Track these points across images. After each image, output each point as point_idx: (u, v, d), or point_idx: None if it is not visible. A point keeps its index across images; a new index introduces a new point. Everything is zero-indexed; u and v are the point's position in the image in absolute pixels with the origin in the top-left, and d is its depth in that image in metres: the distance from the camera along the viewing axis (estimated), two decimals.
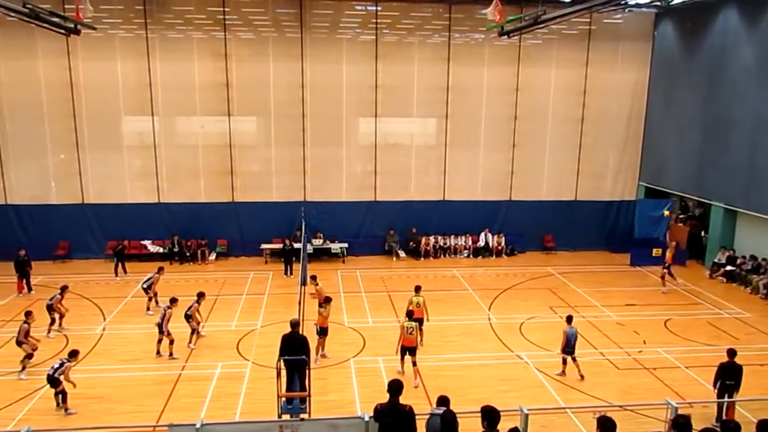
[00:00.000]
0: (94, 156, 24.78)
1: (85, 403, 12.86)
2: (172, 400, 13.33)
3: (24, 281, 20.74)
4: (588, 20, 25.28)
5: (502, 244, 26.36)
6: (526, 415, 8.38)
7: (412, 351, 14.06)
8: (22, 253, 20.82)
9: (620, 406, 12.21)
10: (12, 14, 17.97)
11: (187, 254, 24.85)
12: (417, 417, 8.35)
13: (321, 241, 25.13)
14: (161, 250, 24.86)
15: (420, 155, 26.43)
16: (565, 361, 14.60)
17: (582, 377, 14.36)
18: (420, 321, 15.33)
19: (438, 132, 26.27)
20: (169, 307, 15.88)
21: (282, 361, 11.01)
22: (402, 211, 26.16)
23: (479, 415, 7.69)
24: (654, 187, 26.68)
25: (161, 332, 15.49)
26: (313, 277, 18.07)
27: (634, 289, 21.74)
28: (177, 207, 25.27)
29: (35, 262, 21.43)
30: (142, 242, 25.08)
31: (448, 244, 26.29)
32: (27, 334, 14.59)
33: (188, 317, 16.18)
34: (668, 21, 25.44)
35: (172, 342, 15.59)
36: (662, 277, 21.65)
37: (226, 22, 24.22)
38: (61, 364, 12.67)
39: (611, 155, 27.06)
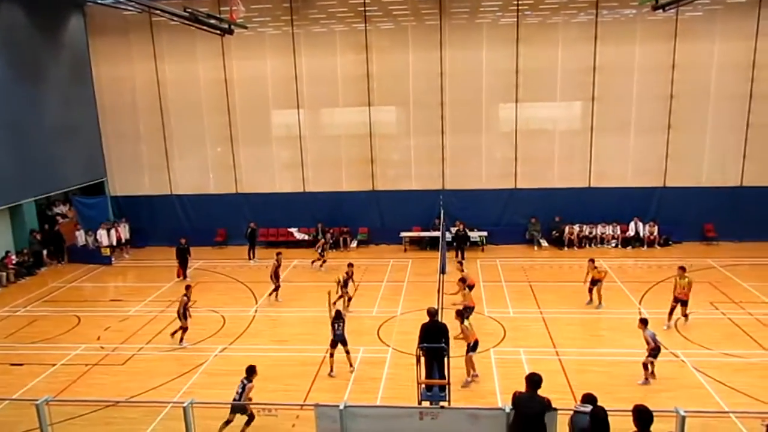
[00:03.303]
0: (247, 148, 26.58)
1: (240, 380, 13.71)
2: (317, 381, 13.89)
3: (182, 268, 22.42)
4: None
5: (655, 233, 24.52)
6: (683, 418, 7.69)
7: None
8: (183, 241, 22.43)
9: None
10: (175, 18, 19.68)
11: (331, 241, 25.80)
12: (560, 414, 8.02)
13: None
14: (306, 237, 26.02)
15: (564, 140, 25.28)
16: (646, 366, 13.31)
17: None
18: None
19: (583, 116, 24.94)
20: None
21: (421, 348, 11.06)
22: (544, 198, 25.22)
23: (630, 414, 7.26)
24: None
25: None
26: (460, 263, 18.21)
27: None
28: (321, 196, 26.36)
29: (198, 248, 23.37)
30: (289, 230, 26.44)
31: (594, 233, 24.97)
32: (185, 306, 15.91)
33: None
34: None
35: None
36: None
37: (367, 14, 24.71)
38: (243, 387, 11.46)
39: None
